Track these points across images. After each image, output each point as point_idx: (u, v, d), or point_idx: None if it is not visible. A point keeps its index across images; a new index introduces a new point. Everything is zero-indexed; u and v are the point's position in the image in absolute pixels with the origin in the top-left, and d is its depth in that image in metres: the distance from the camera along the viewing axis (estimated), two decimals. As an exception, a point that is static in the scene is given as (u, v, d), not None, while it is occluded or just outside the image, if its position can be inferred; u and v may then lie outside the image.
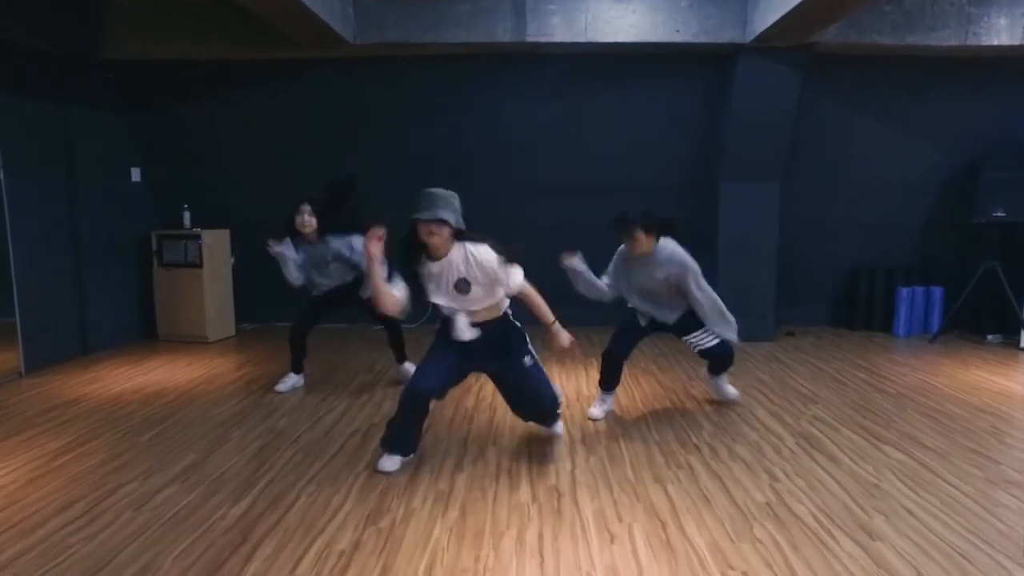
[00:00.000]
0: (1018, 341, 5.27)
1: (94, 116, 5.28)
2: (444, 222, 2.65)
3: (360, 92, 5.77)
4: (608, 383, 3.70)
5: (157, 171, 5.94)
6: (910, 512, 2.54)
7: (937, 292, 5.85)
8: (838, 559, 2.21)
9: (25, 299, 4.62)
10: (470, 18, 4.96)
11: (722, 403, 3.90)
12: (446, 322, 2.89)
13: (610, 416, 3.69)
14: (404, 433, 2.96)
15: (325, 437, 3.38)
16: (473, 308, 2.83)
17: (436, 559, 2.22)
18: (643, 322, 3.62)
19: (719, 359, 3.69)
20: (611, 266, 3.61)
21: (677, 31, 4.86)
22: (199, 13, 5.11)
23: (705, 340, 3.57)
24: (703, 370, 3.92)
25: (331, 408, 3.86)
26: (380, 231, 2.63)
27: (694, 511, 2.57)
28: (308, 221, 3.78)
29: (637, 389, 4.19)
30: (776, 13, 4.30)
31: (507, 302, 2.94)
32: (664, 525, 2.46)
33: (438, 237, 2.68)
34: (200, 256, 5.59)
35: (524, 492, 2.74)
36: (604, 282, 3.56)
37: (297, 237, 3.86)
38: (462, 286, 2.76)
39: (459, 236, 2.75)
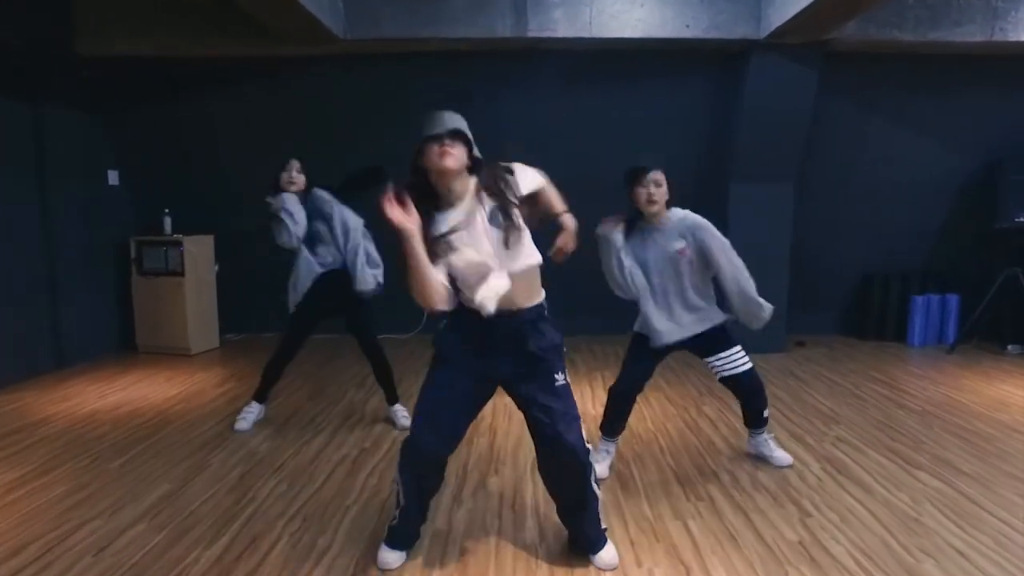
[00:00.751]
0: (1040, 352, 5.07)
1: (68, 115, 4.99)
2: (459, 134, 2.02)
3: (354, 91, 5.50)
4: (612, 426, 3.01)
5: (136, 174, 5.66)
6: (959, 552, 2.29)
7: (953, 300, 5.63)
8: (889, 614, 1.96)
9: (-7, 310, 4.34)
10: (468, 13, 4.70)
11: (737, 423, 3.64)
12: (456, 320, 2.15)
13: (619, 438, 3.42)
14: (410, 518, 2.24)
15: (311, 464, 3.12)
16: (514, 267, 2.05)
17: (434, 616, 1.96)
18: (658, 341, 2.83)
19: (749, 392, 2.96)
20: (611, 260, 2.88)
21: (687, 26, 4.61)
22: (180, 6, 4.83)
23: (734, 364, 2.88)
24: (747, 437, 3.18)
25: (318, 430, 3.59)
26: (388, 192, 1.91)
27: (720, 552, 2.31)
28: (296, 178, 3.41)
29: (646, 407, 3.93)
30: (795, 7, 4.05)
31: (542, 292, 2.20)
32: (688, 569, 2.20)
33: (453, 158, 1.99)
34: (182, 264, 5.31)
35: (530, 530, 2.48)
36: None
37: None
38: (496, 218, 2.03)
39: (475, 168, 2.09)
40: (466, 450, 3.23)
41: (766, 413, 3.03)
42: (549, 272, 2.23)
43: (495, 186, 2.06)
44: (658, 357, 2.97)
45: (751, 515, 2.59)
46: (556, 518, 2.40)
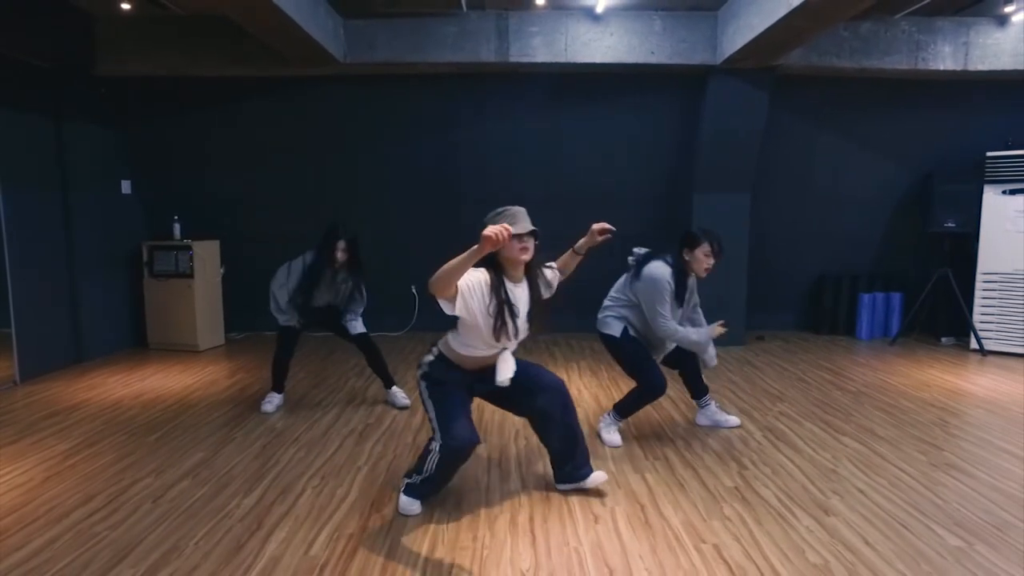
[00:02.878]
0: (968, 343, 5.66)
1: (86, 129, 5.42)
2: (536, 235, 2.48)
3: (348, 109, 5.99)
4: (633, 412, 3.53)
5: (147, 184, 6.08)
6: (861, 492, 2.83)
7: (896, 298, 6.24)
8: (797, 532, 2.48)
9: (21, 308, 4.74)
10: (456, 39, 5.22)
11: (696, 404, 4.17)
12: (448, 363, 2.61)
13: (591, 415, 3.93)
14: (437, 487, 2.70)
15: (323, 437, 3.58)
16: (512, 346, 2.60)
17: (437, 539, 2.44)
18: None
19: (691, 361, 3.60)
20: (668, 307, 3.28)
21: (652, 53, 5.18)
22: (192, 31, 5.31)
23: None
24: (699, 411, 3.78)
25: (326, 411, 4.05)
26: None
27: (670, 495, 2.82)
28: (341, 257, 3.84)
29: (615, 390, 4.45)
30: (743, 38, 4.64)
31: None
32: (643, 507, 2.71)
33: (529, 252, 2.46)
34: (191, 266, 5.74)
35: (514, 482, 2.97)
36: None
37: (326, 268, 3.87)
38: (527, 315, 2.56)
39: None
40: (458, 425, 3.72)
41: (703, 379, 3.68)
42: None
43: (537, 283, 2.60)
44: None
45: (698, 469, 3.11)
46: (537, 474, 2.94)
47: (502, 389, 2.57)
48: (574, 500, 2.77)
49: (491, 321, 2.44)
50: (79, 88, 5.33)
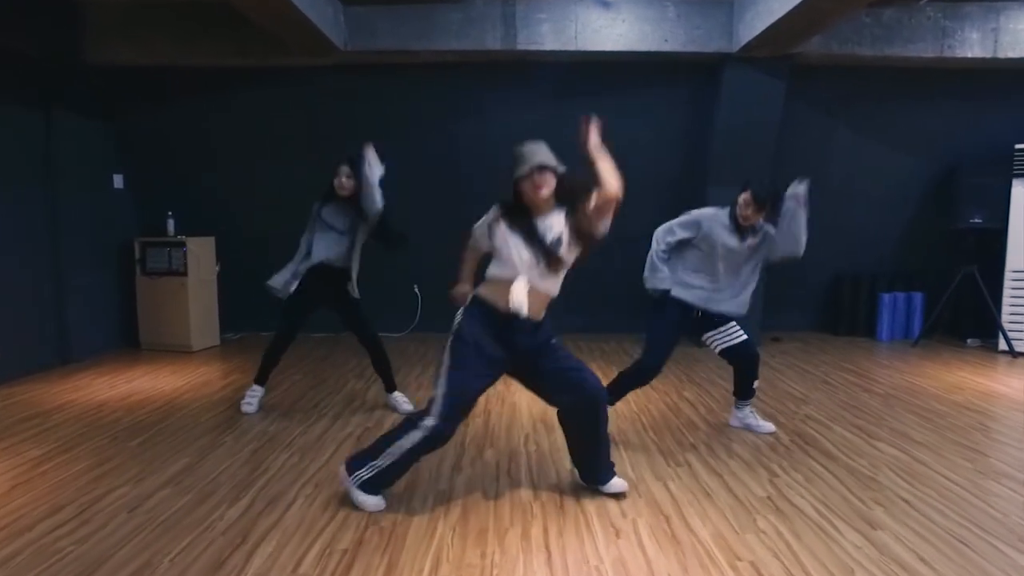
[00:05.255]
0: (996, 344, 5.40)
1: (76, 121, 5.20)
2: (548, 169, 2.40)
3: (349, 99, 5.76)
4: (613, 399, 3.33)
5: (140, 178, 5.86)
6: (907, 503, 2.58)
7: (918, 297, 5.98)
8: (842, 548, 2.22)
9: (3, 306, 4.50)
10: (460, 26, 5.00)
11: (715, 406, 3.93)
12: (482, 306, 2.47)
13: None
14: (395, 476, 2.55)
15: (318, 441, 3.33)
16: (543, 285, 2.46)
17: (441, 555, 2.19)
18: (689, 313, 3.28)
19: (746, 362, 3.36)
20: (687, 231, 3.42)
21: (666, 40, 4.95)
22: (187, 17, 5.08)
23: (732, 336, 3.32)
24: (733, 411, 3.56)
25: (322, 414, 3.81)
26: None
27: (696, 505, 2.57)
28: (346, 184, 3.65)
29: (631, 393, 4.18)
30: (761, 24, 4.40)
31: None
32: (668, 519, 2.46)
33: (546, 189, 2.40)
34: (185, 264, 5.51)
35: (525, 491, 2.72)
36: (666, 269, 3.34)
37: (331, 200, 3.73)
38: (555, 246, 2.41)
39: (563, 190, 2.46)
40: (463, 428, 3.45)
41: (756, 384, 3.41)
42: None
43: (574, 207, 2.46)
44: (681, 332, 3.35)
45: (725, 477, 2.85)
46: (550, 482, 2.70)
47: (536, 370, 2.53)
48: (591, 511, 2.52)
49: (520, 251, 2.42)
50: (67, 77, 5.11)
